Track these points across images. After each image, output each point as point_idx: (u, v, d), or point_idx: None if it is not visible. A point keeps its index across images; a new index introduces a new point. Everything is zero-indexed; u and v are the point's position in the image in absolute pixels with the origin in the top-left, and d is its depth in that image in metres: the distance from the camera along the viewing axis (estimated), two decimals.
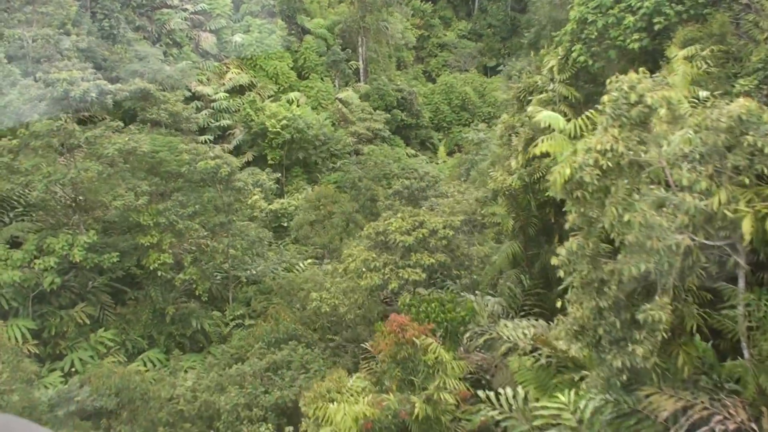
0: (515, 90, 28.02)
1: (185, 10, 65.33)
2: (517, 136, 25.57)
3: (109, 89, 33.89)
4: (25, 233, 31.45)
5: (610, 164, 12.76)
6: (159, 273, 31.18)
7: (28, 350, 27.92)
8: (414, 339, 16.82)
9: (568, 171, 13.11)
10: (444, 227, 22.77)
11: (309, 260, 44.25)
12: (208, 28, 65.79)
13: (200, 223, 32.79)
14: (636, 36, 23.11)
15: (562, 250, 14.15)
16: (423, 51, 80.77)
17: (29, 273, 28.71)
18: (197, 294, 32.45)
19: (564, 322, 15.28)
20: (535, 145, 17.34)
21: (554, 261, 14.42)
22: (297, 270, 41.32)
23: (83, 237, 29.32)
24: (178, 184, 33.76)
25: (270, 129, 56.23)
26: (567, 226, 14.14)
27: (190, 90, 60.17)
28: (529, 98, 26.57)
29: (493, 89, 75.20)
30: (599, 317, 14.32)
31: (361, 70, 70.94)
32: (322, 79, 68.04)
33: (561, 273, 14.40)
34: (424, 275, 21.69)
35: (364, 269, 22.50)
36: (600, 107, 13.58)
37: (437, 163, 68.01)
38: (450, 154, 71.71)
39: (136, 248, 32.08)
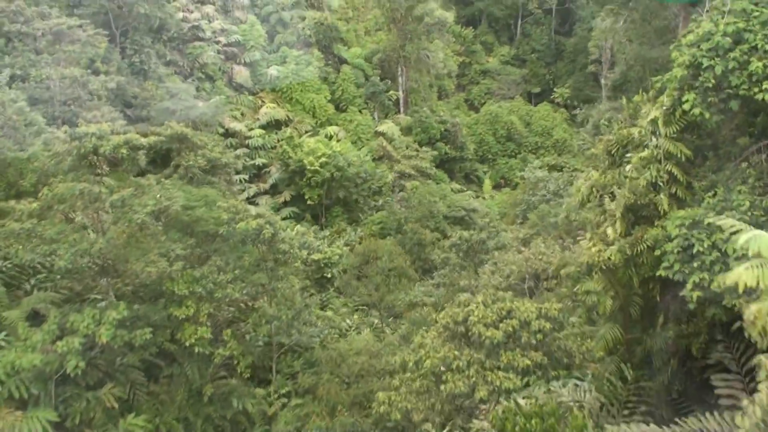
0: (605, 143, 24.09)
1: (218, 42, 62.56)
2: (612, 199, 21.87)
3: (141, 143, 30.65)
4: (47, 305, 28.08)
5: None
6: (196, 349, 27.67)
7: None
8: None
9: None
10: (537, 317, 18.96)
11: (356, 315, 40.86)
12: (242, 61, 62.89)
13: (240, 290, 29.27)
14: (766, 85, 19.15)
15: (756, 410, 10.31)
16: (464, 78, 77.18)
17: (51, 356, 25.24)
18: (239, 371, 28.91)
19: None
20: (729, 274, 13.38)
21: (739, 421, 10.58)
22: (345, 326, 37.87)
23: (112, 312, 25.81)
24: (216, 245, 30.31)
25: (308, 167, 52.69)
26: (760, 377, 10.29)
27: (223, 126, 57.34)
28: (626, 153, 22.81)
29: (540, 117, 71.40)
30: None
31: (401, 101, 67.50)
32: (360, 111, 64.72)
33: None
34: (518, 380, 17.88)
35: (443, 368, 18.75)
36: None
37: (483, 198, 64.26)
38: (496, 187, 67.90)
39: (170, 319, 28.59)
